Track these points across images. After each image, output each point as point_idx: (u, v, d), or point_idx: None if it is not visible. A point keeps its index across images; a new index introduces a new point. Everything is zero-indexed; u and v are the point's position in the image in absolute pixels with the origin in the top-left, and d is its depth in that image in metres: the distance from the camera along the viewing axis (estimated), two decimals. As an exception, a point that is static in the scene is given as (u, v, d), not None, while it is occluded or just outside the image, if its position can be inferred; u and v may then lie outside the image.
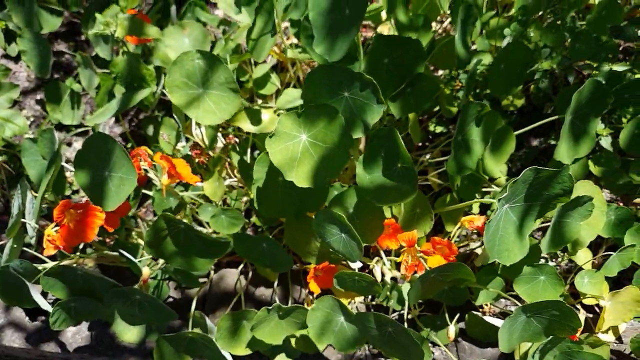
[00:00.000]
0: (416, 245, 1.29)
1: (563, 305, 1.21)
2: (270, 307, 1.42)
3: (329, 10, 1.37)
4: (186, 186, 1.87)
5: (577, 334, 1.36)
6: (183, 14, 2.20)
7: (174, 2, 2.64)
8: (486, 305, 1.58)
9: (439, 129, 1.96)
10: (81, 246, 1.60)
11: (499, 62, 1.71)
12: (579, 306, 1.62)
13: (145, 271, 1.45)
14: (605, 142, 1.74)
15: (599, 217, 1.52)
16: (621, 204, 1.86)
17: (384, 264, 1.43)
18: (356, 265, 1.33)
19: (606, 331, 1.57)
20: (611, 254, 1.48)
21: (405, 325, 1.23)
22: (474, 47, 1.95)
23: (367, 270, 1.46)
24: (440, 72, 2.12)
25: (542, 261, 1.73)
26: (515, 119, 1.97)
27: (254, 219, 1.83)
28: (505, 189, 1.13)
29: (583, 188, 1.52)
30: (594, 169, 1.78)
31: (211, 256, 1.43)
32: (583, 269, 1.55)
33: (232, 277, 1.78)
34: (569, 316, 1.23)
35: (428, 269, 1.26)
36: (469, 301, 1.59)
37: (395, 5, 1.71)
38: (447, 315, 1.53)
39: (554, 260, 1.72)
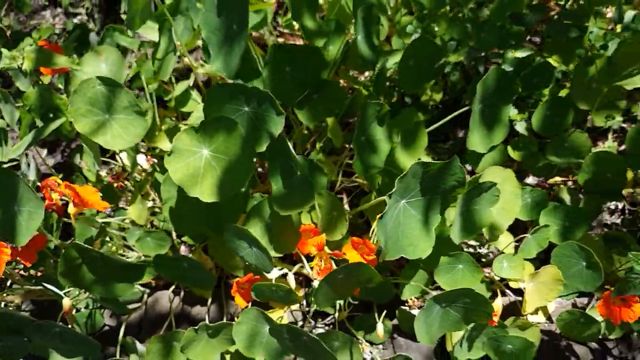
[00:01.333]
0: (326, 248, 1.30)
1: (472, 292, 1.23)
2: (196, 327, 1.41)
3: (219, 27, 1.38)
4: (114, 211, 1.85)
5: (496, 319, 1.38)
6: (102, 39, 2.19)
7: (99, 28, 2.63)
8: (411, 299, 1.60)
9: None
10: (8, 283, 1.58)
11: (408, 59, 1.73)
12: (507, 290, 1.65)
13: (66, 302, 1.43)
14: (520, 127, 1.78)
15: (514, 201, 1.55)
16: (547, 185, 1.91)
17: (310, 269, 1.44)
18: (273, 274, 1.34)
19: (535, 312, 1.60)
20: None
21: (337, 328, 1.24)
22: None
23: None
24: (368, 74, 2.15)
25: (472, 250, 1.77)
26: (438, 113, 2.00)
27: (185, 237, 1.83)
28: (395, 184, 1.15)
29: (495, 174, 1.55)
30: (513, 154, 1.82)
31: (129, 281, 1.42)
32: (504, 253, 1.57)
33: (167, 298, 1.77)
34: (481, 302, 1.25)
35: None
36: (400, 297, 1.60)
37: (301, 13, 1.73)
38: (376, 313, 1.54)
39: (483, 247, 1.75)
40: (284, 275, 1.37)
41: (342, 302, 1.55)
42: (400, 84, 1.76)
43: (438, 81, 1.95)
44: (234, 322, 1.40)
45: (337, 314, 1.47)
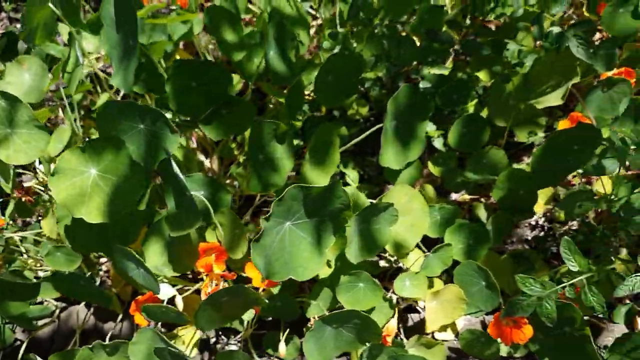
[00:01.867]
0: (216, 268, 1.29)
1: (360, 314, 1.23)
2: (92, 346, 1.39)
3: (118, 43, 1.37)
4: (27, 224, 1.82)
5: (389, 338, 1.38)
6: (29, 48, 2.16)
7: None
8: (313, 317, 1.59)
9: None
10: None
11: (326, 74, 1.73)
12: (418, 307, 1.65)
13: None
14: (438, 143, 1.79)
15: (423, 218, 1.56)
16: (466, 201, 1.91)
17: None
18: (163, 295, 1.32)
19: (444, 329, 1.60)
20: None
21: (249, 344, 1.22)
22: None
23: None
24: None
25: (387, 264, 1.77)
26: (366, 126, 2.00)
27: (103, 251, 1.80)
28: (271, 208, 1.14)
29: (402, 192, 1.55)
30: (433, 169, 1.83)
31: (23, 299, 1.39)
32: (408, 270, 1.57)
33: (80, 313, 1.74)
34: (369, 324, 1.25)
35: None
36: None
37: (219, 26, 1.72)
38: (281, 332, 1.53)
39: (396, 264, 1.75)
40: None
41: (249, 318, 1.54)
42: (317, 98, 1.76)
43: (363, 95, 1.95)
44: (129, 341, 1.38)
45: (243, 332, 1.46)
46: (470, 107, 1.89)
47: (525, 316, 1.25)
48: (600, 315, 1.20)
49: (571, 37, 1.52)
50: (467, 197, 1.81)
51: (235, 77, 1.91)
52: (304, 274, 1.24)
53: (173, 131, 1.31)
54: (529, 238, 1.87)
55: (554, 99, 1.65)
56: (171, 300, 1.33)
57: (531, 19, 1.63)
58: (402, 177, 1.75)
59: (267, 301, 1.23)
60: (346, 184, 1.88)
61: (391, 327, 1.42)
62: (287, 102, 1.65)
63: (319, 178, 1.58)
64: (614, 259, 1.44)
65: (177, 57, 2.07)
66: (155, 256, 1.42)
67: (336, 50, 1.79)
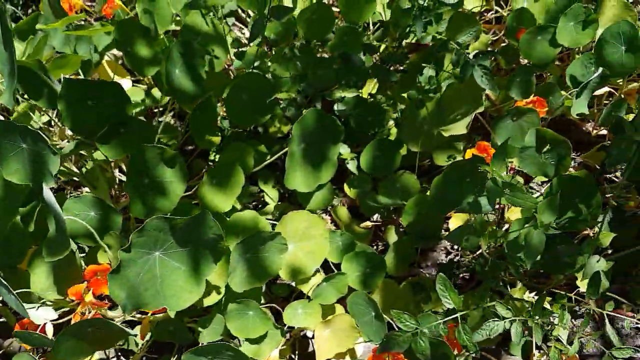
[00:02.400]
0: (88, 296, 1.27)
1: (231, 346, 1.21)
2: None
3: (7, 59, 1.34)
4: None
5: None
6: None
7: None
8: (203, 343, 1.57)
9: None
10: None
11: (240, 93, 1.71)
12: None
13: None
14: (352, 166, 1.77)
15: (323, 244, 1.54)
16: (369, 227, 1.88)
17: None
18: (46, 318, 1.29)
19: (343, 356, 1.58)
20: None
21: None
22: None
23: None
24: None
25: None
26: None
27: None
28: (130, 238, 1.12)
29: (300, 218, 1.54)
30: (349, 191, 1.81)
31: None
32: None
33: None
34: (241, 356, 1.23)
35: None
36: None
37: (130, 41, 1.69)
38: (172, 357, 1.51)
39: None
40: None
41: (143, 341, 1.52)
42: (230, 117, 1.74)
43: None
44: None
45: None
46: (394, 130, 1.87)
47: (401, 352, 1.24)
48: (473, 355, 1.20)
49: (476, 67, 1.51)
50: (367, 224, 1.80)
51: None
52: (177, 303, 1.22)
53: (54, 152, 1.28)
54: (445, 262, 1.86)
55: (459, 127, 1.65)
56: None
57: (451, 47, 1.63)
58: (315, 200, 1.74)
59: (135, 333, 1.21)
60: (265, 203, 1.86)
61: (273, 357, 1.40)
62: (193, 120, 1.63)
63: (220, 201, 1.56)
64: (507, 292, 1.43)
65: (108, 69, 2.04)
66: (40, 278, 1.39)
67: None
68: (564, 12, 1.72)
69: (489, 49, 2.08)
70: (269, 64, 1.72)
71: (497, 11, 2.14)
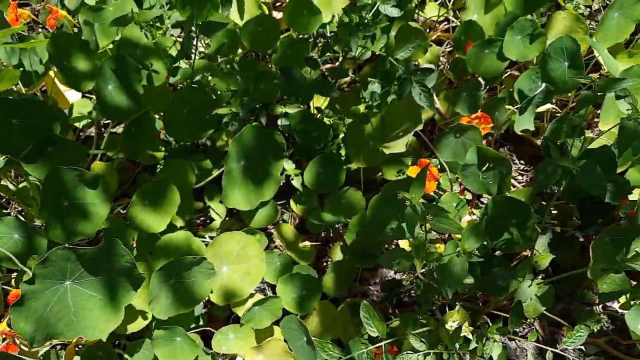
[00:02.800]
0: (2, 325, 1.23)
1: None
2: None
3: None
4: None
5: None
6: None
7: None
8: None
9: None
10: None
11: (180, 108, 1.67)
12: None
13: None
14: (297, 183, 1.73)
15: (259, 265, 1.51)
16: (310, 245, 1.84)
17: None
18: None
19: (281, 379, 1.55)
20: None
21: None
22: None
23: None
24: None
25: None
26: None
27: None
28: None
29: (235, 239, 1.50)
30: (295, 208, 1.77)
31: None
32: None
33: None
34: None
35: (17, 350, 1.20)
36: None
37: (67, 54, 1.65)
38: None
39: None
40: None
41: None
42: (169, 132, 1.69)
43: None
44: None
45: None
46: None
47: (327, 380, 1.21)
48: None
49: (414, 84, 1.48)
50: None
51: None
52: (93, 333, 1.18)
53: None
54: (397, 278, 1.83)
55: (399, 145, 1.61)
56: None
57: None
58: (258, 217, 1.70)
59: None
60: (212, 219, 1.83)
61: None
62: (126, 136, 1.59)
63: (154, 221, 1.52)
64: (441, 316, 1.40)
65: (57, 81, 1.99)
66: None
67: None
68: (510, 26, 1.69)
69: (441, 60, 2.06)
70: (210, 78, 1.68)
71: (454, 21, 2.11)
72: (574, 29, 1.78)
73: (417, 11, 2.15)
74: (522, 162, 1.97)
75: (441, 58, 2.06)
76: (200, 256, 1.32)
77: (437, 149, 1.64)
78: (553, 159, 1.20)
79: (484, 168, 1.54)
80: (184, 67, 1.70)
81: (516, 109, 1.66)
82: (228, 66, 1.64)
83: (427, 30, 2.19)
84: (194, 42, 1.56)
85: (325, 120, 1.84)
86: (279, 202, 1.95)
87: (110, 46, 1.85)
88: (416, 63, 1.95)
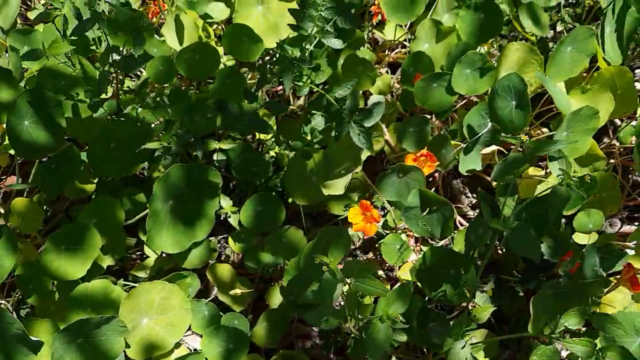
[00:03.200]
0: None
1: None
2: None
3: None
4: None
5: None
6: None
7: None
8: None
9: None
10: None
11: (107, 141, 1.57)
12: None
13: None
14: (233, 221, 1.63)
15: (184, 315, 1.41)
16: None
17: None
18: None
19: None
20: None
21: None
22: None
23: None
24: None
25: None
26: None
27: None
28: None
29: (156, 289, 1.41)
30: (234, 246, 1.67)
31: None
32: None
33: None
34: None
35: None
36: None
37: None
38: None
39: None
40: None
41: None
42: (95, 169, 1.59)
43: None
44: None
45: None
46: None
47: None
48: None
49: (352, 124, 1.39)
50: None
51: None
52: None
53: None
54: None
55: (338, 187, 1.53)
56: None
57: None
58: (191, 258, 1.60)
59: None
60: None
61: None
62: (45, 172, 1.48)
63: (72, 267, 1.41)
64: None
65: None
66: None
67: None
68: (459, 60, 1.61)
69: (396, 86, 1.97)
70: (139, 109, 1.58)
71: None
72: (528, 61, 1.71)
73: (373, 31, 2.06)
74: (474, 195, 1.90)
75: (396, 84, 1.98)
76: (109, 315, 1.22)
77: (380, 188, 1.55)
78: (484, 220, 1.13)
79: (427, 211, 1.46)
80: (109, 99, 1.59)
81: (462, 146, 1.58)
82: (158, 98, 1.54)
83: (387, 52, 2.11)
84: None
85: (272, 152, 1.75)
86: (223, 236, 1.86)
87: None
88: (366, 92, 1.87)
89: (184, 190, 1.51)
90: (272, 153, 1.74)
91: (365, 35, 2.01)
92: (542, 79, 1.53)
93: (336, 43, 1.50)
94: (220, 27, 2.05)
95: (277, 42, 1.43)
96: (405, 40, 2.09)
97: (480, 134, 1.50)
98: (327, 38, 1.45)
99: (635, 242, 1.32)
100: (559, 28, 2.29)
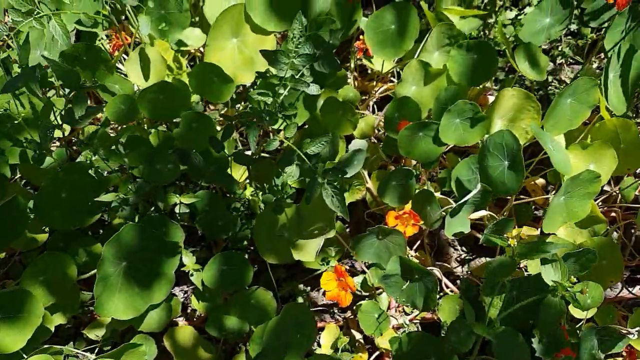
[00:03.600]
0: None
1: None
2: None
3: None
4: None
5: None
6: None
7: None
8: None
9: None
10: None
11: (58, 191, 1.42)
12: None
13: None
14: (196, 280, 1.49)
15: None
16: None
17: None
18: None
19: None
20: None
21: None
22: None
23: None
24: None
25: None
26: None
27: None
28: None
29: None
30: (197, 305, 1.53)
31: None
32: None
33: None
34: None
35: None
36: None
37: None
38: None
39: None
40: None
41: None
42: (42, 220, 1.44)
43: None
44: None
45: None
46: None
47: None
48: None
49: (325, 185, 1.24)
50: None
51: None
52: None
53: None
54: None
55: (308, 252, 1.38)
56: None
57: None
58: (149, 321, 1.45)
59: None
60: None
61: None
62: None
63: (10, 338, 1.26)
64: None
65: None
66: None
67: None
68: (447, 109, 1.46)
69: (379, 130, 1.83)
70: (93, 156, 1.43)
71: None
72: (524, 107, 1.56)
73: (359, 62, 1.92)
74: (464, 249, 1.75)
75: (382, 123, 1.83)
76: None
77: (358, 250, 1.40)
78: (467, 323, 0.98)
79: (408, 280, 1.32)
80: (58, 148, 1.44)
81: (450, 206, 1.43)
82: (113, 146, 1.39)
83: (375, 82, 1.96)
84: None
85: (243, 200, 1.60)
86: (191, 287, 1.72)
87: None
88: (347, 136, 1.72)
89: (140, 249, 1.36)
90: (243, 200, 1.59)
91: (352, 63, 1.87)
92: (538, 134, 1.38)
93: (312, 89, 1.35)
94: (200, 52, 1.90)
95: (246, 86, 1.28)
96: (393, 75, 1.95)
97: (468, 195, 1.36)
98: (300, 86, 1.30)
99: (637, 328, 1.17)
100: (559, 59, 2.15)
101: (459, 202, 1.34)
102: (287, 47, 1.27)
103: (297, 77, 1.34)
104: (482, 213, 1.33)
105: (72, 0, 1.54)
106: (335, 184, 1.24)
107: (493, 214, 1.38)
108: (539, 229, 1.53)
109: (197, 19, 1.84)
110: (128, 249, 1.34)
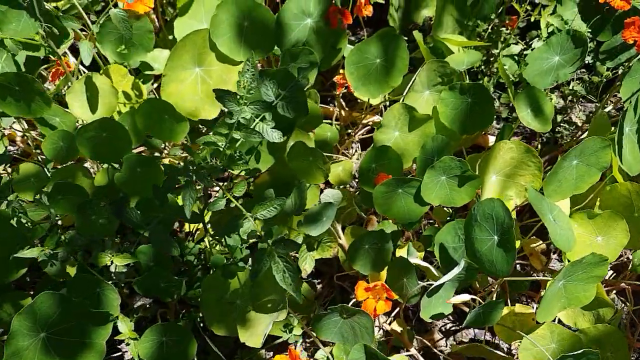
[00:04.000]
0: None
1: None
2: None
3: None
4: None
5: None
6: None
7: None
8: None
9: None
10: None
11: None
12: None
13: None
14: (132, 351, 1.28)
15: None
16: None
17: None
18: None
19: None
20: None
21: None
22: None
23: None
24: None
25: None
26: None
27: None
28: None
29: None
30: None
31: None
32: None
33: None
34: None
35: None
36: None
37: None
38: None
39: None
40: None
41: None
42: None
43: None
44: None
45: None
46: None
47: None
48: None
49: (276, 259, 1.03)
50: None
51: None
52: None
53: None
54: None
55: (256, 334, 1.17)
56: None
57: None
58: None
59: None
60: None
61: None
62: None
63: None
64: None
65: None
66: None
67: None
68: (431, 166, 1.25)
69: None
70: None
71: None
72: (524, 163, 1.35)
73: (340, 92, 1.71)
74: (449, 317, 1.54)
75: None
76: None
77: (318, 329, 1.19)
78: None
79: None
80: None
81: (435, 272, 1.22)
82: (38, 195, 1.19)
83: (363, 114, 1.75)
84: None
85: (206, 247, 1.40)
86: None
87: None
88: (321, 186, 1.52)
89: (60, 320, 1.16)
90: (204, 245, 1.39)
91: (338, 92, 1.66)
92: (536, 202, 1.16)
93: (273, 136, 1.15)
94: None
95: (203, 141, 1.08)
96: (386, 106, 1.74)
97: (450, 274, 1.14)
98: (253, 137, 1.10)
99: None
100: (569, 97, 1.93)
101: (439, 282, 1.13)
102: (238, 90, 1.07)
103: (258, 119, 1.14)
104: (465, 298, 1.12)
105: (10, 20, 1.35)
106: (286, 256, 1.04)
107: (477, 298, 1.16)
108: (535, 308, 1.32)
109: (171, 37, 1.65)
110: (46, 319, 1.14)
